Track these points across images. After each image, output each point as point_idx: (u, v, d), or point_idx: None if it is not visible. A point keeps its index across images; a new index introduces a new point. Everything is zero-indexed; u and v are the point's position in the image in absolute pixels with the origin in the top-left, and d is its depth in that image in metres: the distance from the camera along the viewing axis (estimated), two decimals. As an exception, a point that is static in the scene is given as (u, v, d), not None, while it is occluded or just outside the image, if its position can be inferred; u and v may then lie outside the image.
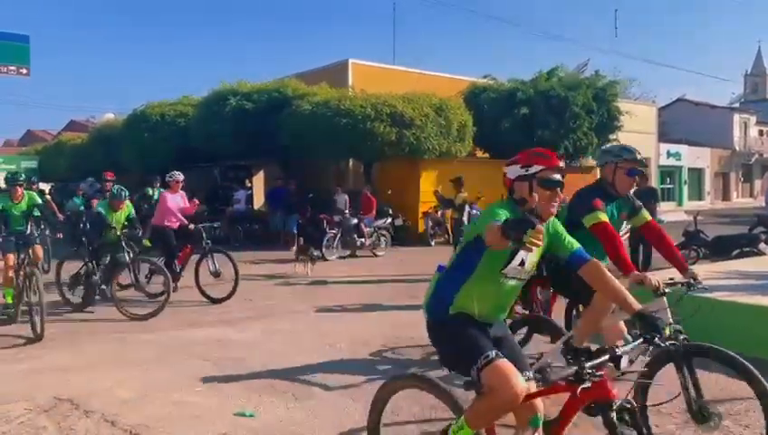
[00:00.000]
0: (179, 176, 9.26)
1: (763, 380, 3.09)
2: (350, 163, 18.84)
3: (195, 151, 18.58)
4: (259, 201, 18.32)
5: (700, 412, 3.27)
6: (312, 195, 16.63)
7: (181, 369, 5.46)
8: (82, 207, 13.61)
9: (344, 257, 13.54)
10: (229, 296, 8.33)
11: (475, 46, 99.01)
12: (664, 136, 35.85)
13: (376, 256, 13.91)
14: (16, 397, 4.75)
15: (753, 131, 43.64)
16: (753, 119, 43.95)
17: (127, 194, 8.49)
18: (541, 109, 18.41)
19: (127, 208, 8.40)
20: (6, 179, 7.79)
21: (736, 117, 42.95)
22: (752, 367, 3.14)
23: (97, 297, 8.12)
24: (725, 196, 41.67)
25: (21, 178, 7.90)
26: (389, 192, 16.74)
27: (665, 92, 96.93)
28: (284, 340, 6.53)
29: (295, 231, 14.58)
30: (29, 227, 7.76)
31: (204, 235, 8.80)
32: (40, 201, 8.18)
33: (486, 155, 19.90)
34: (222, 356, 5.84)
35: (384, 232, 14.76)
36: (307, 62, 51.88)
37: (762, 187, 40.90)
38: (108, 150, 22.15)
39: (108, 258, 8.13)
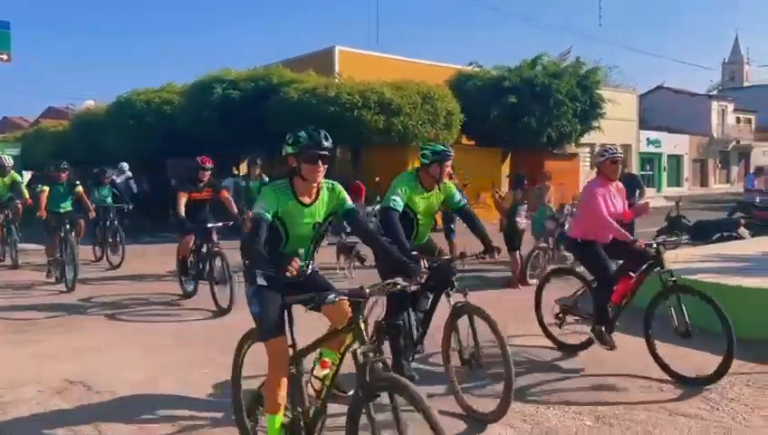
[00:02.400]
0: (618, 155, 5.26)
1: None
2: (337, 150, 18.87)
3: (181, 139, 18.47)
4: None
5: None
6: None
7: (188, 353, 5.60)
8: (110, 200, 11.25)
9: (333, 244, 13.61)
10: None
11: (455, 32, 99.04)
12: (644, 123, 36.31)
13: (365, 241, 14.02)
14: (27, 380, 4.85)
15: (731, 118, 44.39)
16: (731, 106, 44.70)
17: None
18: (525, 96, 18.60)
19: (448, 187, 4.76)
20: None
21: (714, 104, 43.63)
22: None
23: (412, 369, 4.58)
24: (704, 182, 42.42)
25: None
26: (377, 179, 16.84)
27: (644, 80, 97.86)
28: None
29: None
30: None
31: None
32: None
33: (472, 142, 20.07)
34: (227, 338, 5.94)
35: (373, 218, 14.89)
36: (290, 48, 51.48)
37: (738, 173, 41.75)
38: (91, 137, 21.85)
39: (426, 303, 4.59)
